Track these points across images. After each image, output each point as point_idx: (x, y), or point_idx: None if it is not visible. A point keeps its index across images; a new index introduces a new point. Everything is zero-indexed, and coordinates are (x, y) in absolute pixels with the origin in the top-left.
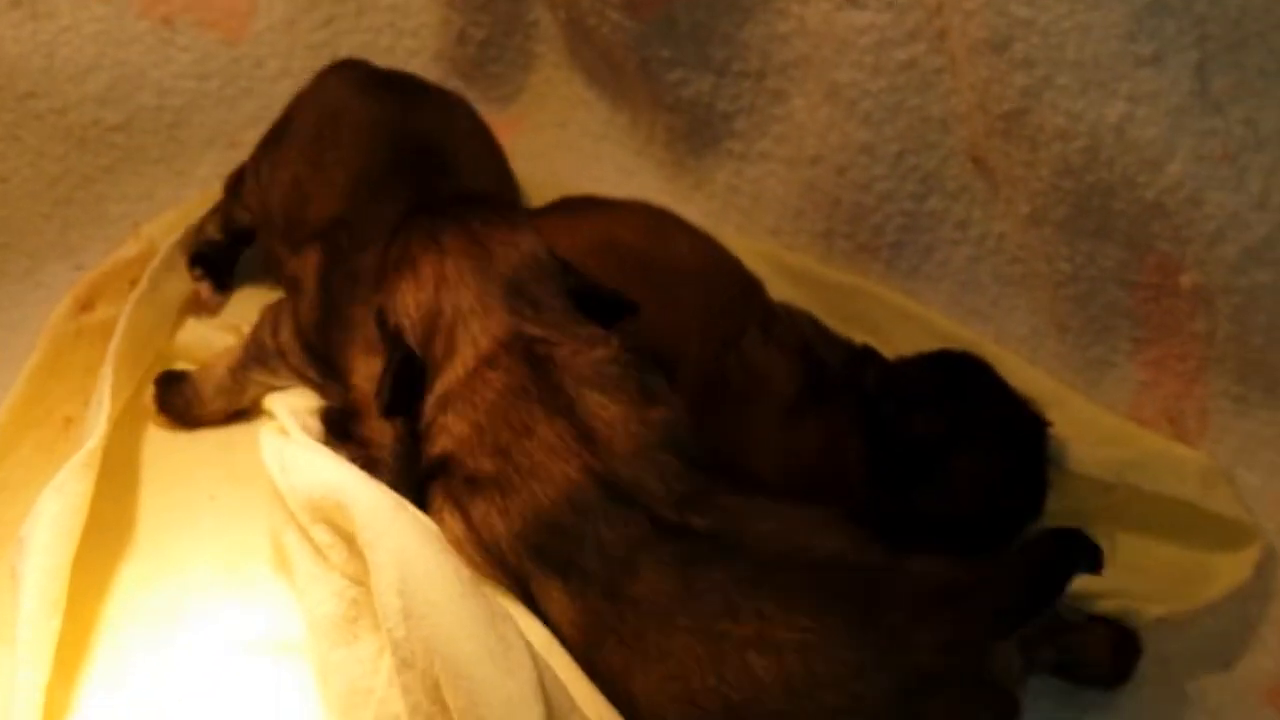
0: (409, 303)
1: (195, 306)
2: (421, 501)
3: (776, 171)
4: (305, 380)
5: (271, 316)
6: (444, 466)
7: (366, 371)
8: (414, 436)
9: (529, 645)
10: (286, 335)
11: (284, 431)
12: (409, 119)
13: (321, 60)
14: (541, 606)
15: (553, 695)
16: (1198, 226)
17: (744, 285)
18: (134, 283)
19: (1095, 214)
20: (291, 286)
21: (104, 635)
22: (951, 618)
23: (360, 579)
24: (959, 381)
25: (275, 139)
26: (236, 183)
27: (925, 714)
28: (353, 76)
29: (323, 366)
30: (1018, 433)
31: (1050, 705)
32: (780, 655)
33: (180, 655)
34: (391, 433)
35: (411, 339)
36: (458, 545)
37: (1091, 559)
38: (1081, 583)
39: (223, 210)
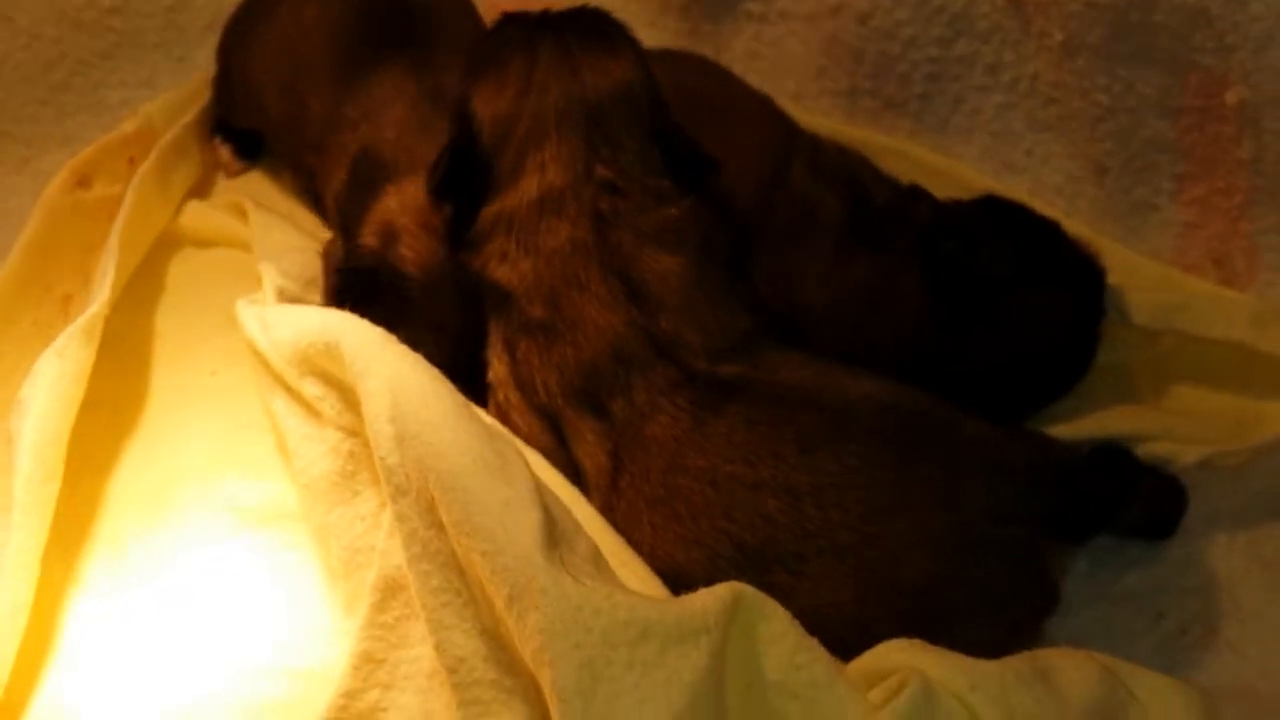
0: (487, 101)
1: (198, 189)
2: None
3: (797, 30)
4: None
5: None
6: (504, 304)
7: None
8: (454, 243)
9: (527, 464)
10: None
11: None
12: None
13: None
14: (570, 446)
15: (553, 508)
16: (1242, 30)
17: (788, 123)
18: (132, 161)
19: (1134, 31)
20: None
21: (103, 511)
22: (1008, 491)
23: (356, 430)
24: (1016, 222)
25: (243, 47)
26: (223, 108)
27: (950, 576)
28: None
29: None
30: (1081, 274)
31: (1088, 564)
32: (796, 498)
33: (178, 532)
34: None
35: (482, 138)
36: (497, 383)
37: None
38: (1126, 426)
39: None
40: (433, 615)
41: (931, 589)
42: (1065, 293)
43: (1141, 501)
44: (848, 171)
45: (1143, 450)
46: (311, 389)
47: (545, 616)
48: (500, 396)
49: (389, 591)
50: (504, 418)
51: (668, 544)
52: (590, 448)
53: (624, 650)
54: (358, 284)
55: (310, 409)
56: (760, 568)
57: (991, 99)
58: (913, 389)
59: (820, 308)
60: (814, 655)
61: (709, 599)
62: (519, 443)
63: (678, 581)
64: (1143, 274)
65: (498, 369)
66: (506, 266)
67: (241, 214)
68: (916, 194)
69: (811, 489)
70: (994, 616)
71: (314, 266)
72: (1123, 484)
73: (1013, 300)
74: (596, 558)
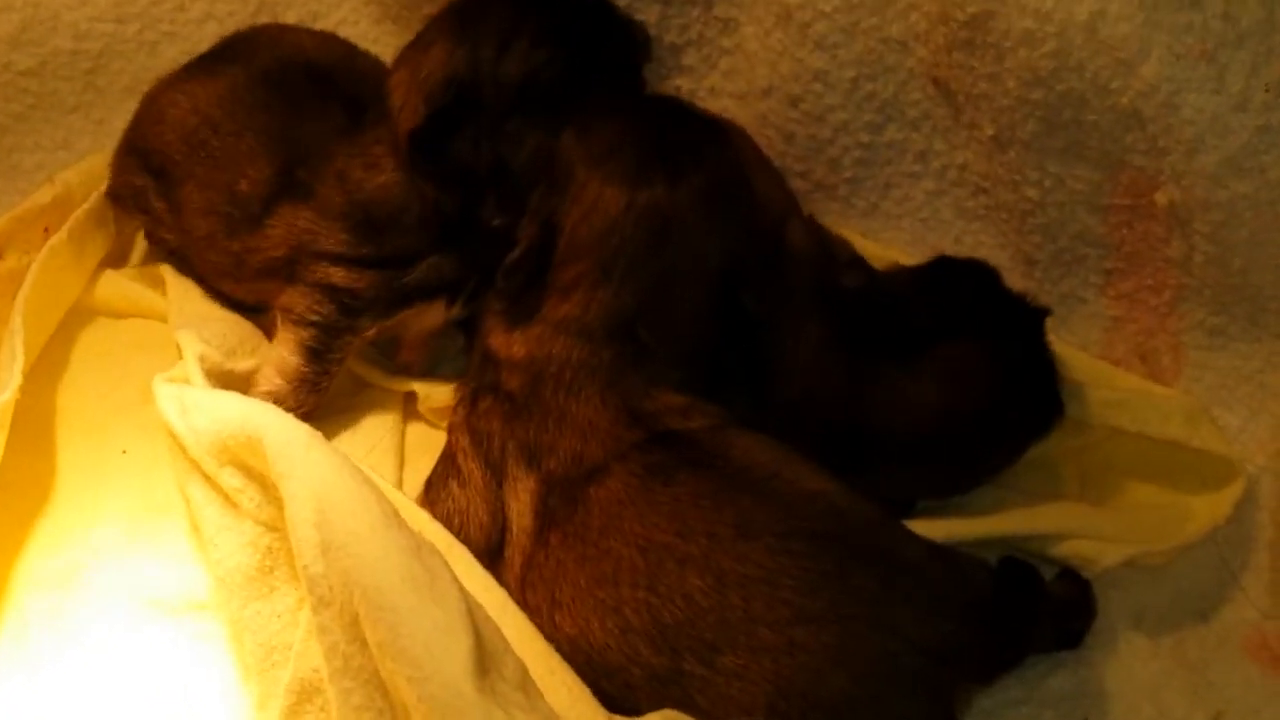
0: (581, 216)
1: (113, 258)
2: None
3: (728, 108)
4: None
5: (308, 297)
6: (484, 364)
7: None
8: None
9: (456, 580)
10: (356, 282)
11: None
12: (255, 61)
13: (248, 5)
14: (505, 500)
15: (482, 627)
16: (1175, 134)
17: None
18: (47, 230)
19: (1065, 129)
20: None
21: (9, 598)
22: (939, 627)
23: (276, 524)
24: (951, 280)
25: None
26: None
27: (866, 701)
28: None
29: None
30: (1016, 321)
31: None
32: (722, 583)
33: (85, 619)
34: None
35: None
36: (452, 427)
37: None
38: (1050, 523)
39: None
40: None
41: (846, 711)
42: (1002, 338)
43: (1048, 620)
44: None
45: (1066, 548)
46: (230, 480)
47: None
48: (452, 439)
49: (304, 695)
50: (451, 459)
51: (587, 608)
52: (522, 505)
53: None
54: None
55: (228, 499)
56: (673, 651)
57: (921, 186)
58: (865, 499)
59: (790, 357)
60: None
61: None
62: (447, 540)
63: (589, 654)
64: (1072, 366)
65: (458, 413)
66: (502, 342)
67: (159, 282)
68: (854, 263)
69: (740, 579)
70: None
71: (235, 335)
72: (1027, 619)
73: (926, 353)
74: (524, 680)
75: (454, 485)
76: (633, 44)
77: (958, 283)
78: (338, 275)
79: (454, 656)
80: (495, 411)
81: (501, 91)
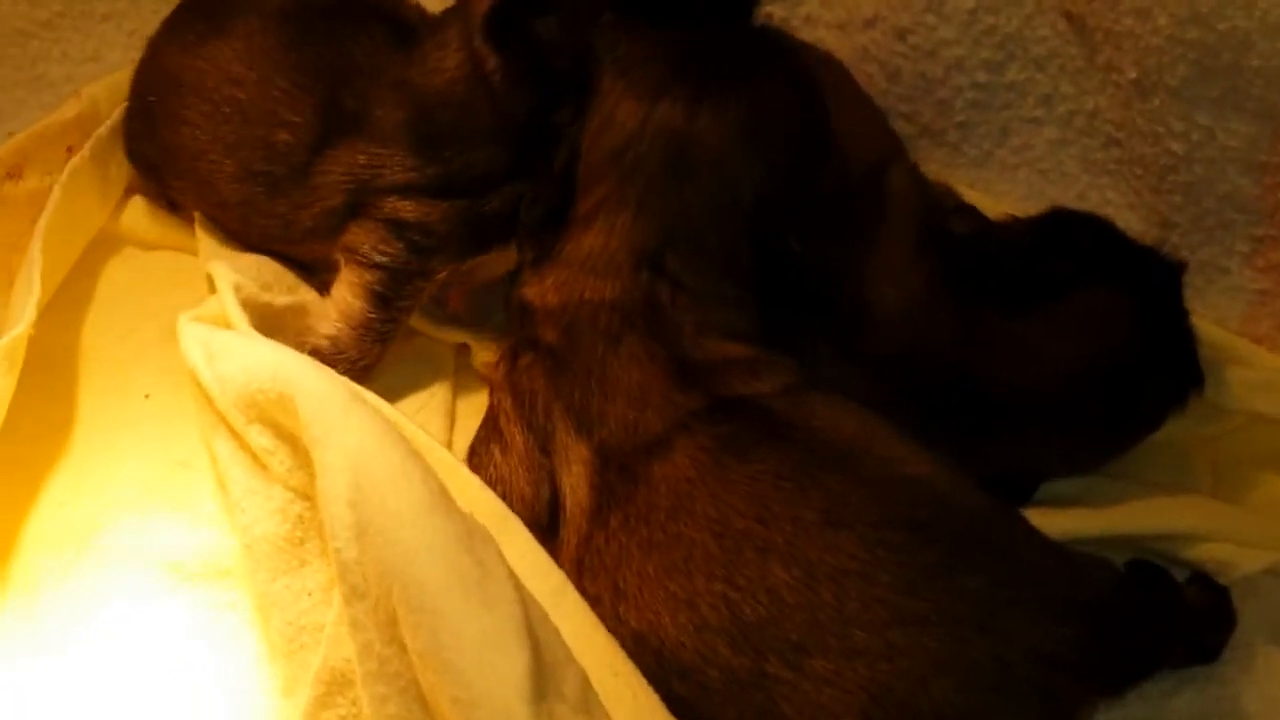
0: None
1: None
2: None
3: (824, 39)
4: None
5: (374, 235)
6: (521, 316)
7: None
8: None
9: (513, 575)
10: (429, 216)
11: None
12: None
13: None
14: (556, 470)
15: (540, 633)
16: None
17: (894, 134)
18: (70, 150)
19: (1223, 74)
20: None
21: (19, 556)
22: (1058, 632)
23: (308, 492)
24: (1073, 229)
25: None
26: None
27: (975, 713)
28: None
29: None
30: (1151, 274)
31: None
32: (811, 576)
33: (99, 583)
34: None
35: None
36: (494, 386)
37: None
38: (1180, 521)
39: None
40: None
41: None
42: (1123, 292)
43: (1183, 638)
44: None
45: (1200, 551)
46: (259, 438)
47: None
48: (494, 400)
49: (335, 685)
50: (493, 421)
51: (656, 601)
52: (576, 479)
53: None
54: None
55: (257, 460)
56: (755, 652)
57: (1043, 134)
58: (970, 482)
59: (882, 305)
60: None
61: None
62: (502, 513)
63: (660, 652)
64: (1209, 342)
65: (499, 370)
66: (536, 290)
67: (188, 211)
68: (963, 210)
69: (832, 572)
70: None
71: (271, 271)
72: (1162, 627)
73: (1060, 301)
74: (586, 698)
75: (496, 451)
76: None
77: (1081, 231)
78: (407, 209)
79: (507, 678)
80: (537, 368)
81: None
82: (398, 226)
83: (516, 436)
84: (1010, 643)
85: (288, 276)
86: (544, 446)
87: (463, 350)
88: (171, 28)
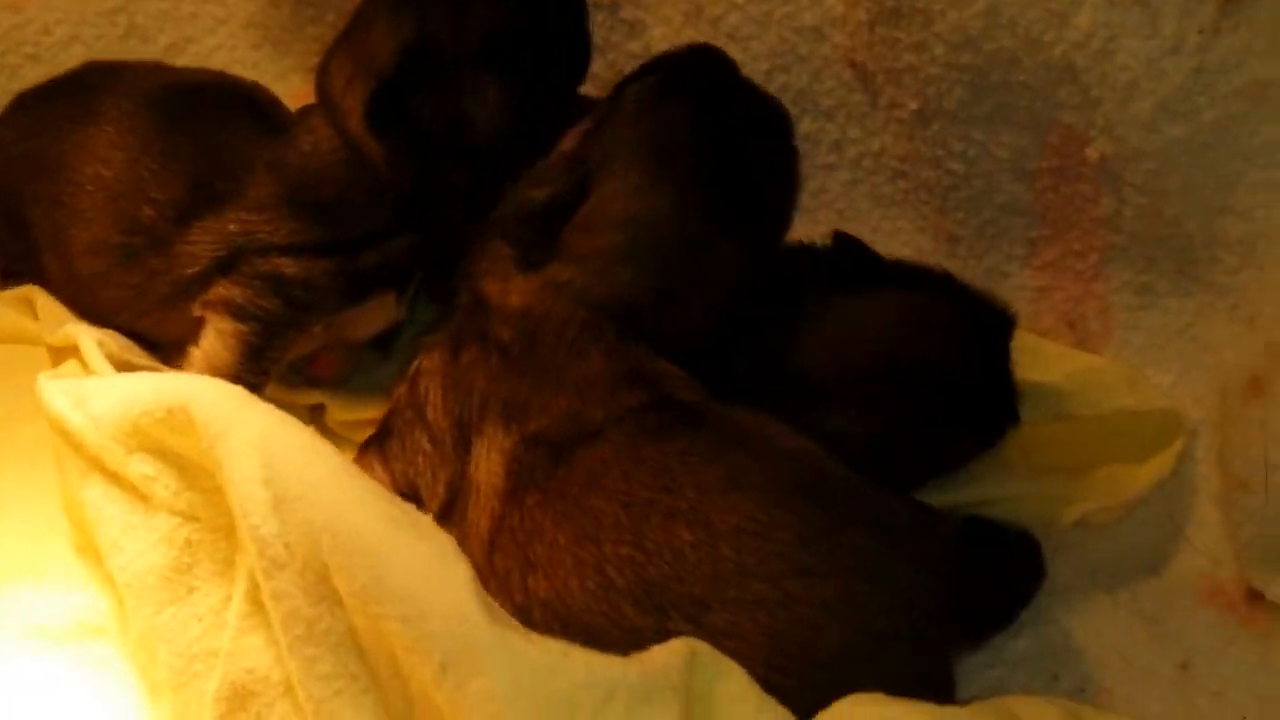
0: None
1: None
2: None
3: None
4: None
5: (250, 289)
6: (473, 309)
7: None
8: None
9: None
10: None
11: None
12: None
13: (116, 28)
14: (472, 459)
15: None
16: (1109, 82)
17: None
18: None
19: (993, 91)
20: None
21: None
22: (931, 582)
23: (196, 513)
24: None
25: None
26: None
27: (863, 656)
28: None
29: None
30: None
31: None
32: (712, 535)
33: None
34: None
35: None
36: (422, 373)
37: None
38: (999, 488)
39: None
40: (322, 708)
41: (845, 665)
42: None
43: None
44: None
45: (1017, 510)
46: (141, 467)
47: (494, 680)
48: (421, 387)
49: (237, 700)
50: (411, 406)
51: (564, 568)
52: (493, 465)
53: (587, 713)
54: None
55: (136, 493)
56: (658, 610)
57: (836, 177)
58: (839, 461)
59: None
60: (777, 715)
61: (668, 655)
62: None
63: (566, 618)
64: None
65: (431, 360)
66: (498, 288)
67: (29, 307)
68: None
69: (731, 530)
70: None
71: (124, 340)
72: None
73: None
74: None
75: (410, 440)
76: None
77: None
78: (288, 265)
79: (452, 583)
80: (480, 363)
81: (463, 47)
82: (277, 282)
83: (441, 425)
84: (889, 591)
85: (137, 347)
86: (465, 438)
87: (315, 411)
88: (36, 114)
